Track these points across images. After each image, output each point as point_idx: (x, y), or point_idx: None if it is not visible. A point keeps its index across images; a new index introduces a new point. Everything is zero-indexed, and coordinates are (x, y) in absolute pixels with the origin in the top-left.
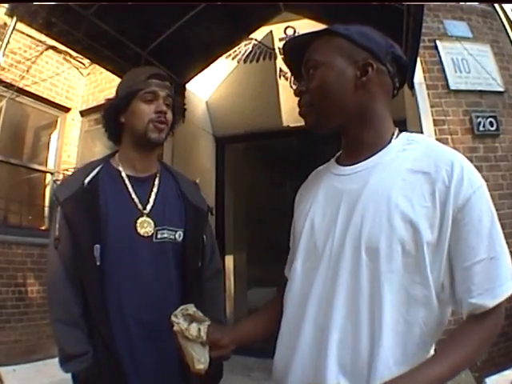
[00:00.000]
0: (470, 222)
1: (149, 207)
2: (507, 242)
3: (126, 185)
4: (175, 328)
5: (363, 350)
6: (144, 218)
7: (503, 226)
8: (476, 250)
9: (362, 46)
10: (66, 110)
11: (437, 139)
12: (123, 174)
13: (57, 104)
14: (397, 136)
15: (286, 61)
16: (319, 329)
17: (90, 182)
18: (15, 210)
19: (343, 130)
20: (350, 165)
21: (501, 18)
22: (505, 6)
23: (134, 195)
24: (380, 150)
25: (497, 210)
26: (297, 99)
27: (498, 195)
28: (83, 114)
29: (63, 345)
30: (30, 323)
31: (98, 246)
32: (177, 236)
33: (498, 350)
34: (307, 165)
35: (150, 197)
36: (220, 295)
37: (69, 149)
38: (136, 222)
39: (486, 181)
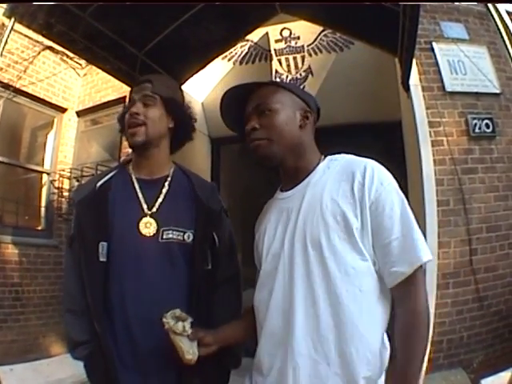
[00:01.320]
0: (383, 210)
1: (154, 209)
2: (503, 244)
3: (134, 187)
4: (166, 327)
5: (325, 321)
6: (147, 219)
7: (499, 228)
8: (391, 231)
9: (302, 98)
10: (63, 110)
11: (432, 141)
12: (133, 177)
13: (53, 104)
14: (323, 160)
15: (226, 103)
16: (285, 313)
17: (101, 185)
18: (11, 210)
19: (283, 160)
20: (290, 189)
21: (495, 20)
22: (499, 7)
23: (140, 196)
24: (311, 173)
25: (492, 211)
26: None
27: (493, 197)
28: (80, 114)
29: (69, 332)
30: (27, 323)
31: (104, 243)
32: (185, 237)
33: (494, 352)
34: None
35: (157, 198)
36: (233, 300)
37: (65, 149)
38: (139, 223)
39: (482, 182)
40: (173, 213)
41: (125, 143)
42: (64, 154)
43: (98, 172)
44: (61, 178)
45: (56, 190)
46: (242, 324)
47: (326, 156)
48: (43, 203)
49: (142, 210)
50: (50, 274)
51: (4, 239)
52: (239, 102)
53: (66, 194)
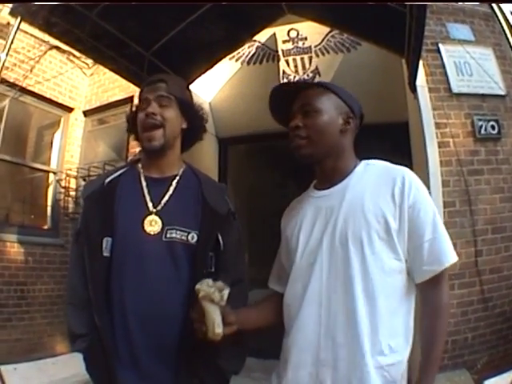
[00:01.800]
0: (419, 214)
1: (159, 207)
2: (508, 245)
3: (141, 185)
4: (202, 294)
5: (362, 314)
6: (152, 217)
7: (504, 229)
8: (424, 233)
9: (347, 103)
10: (70, 109)
11: (438, 142)
12: (142, 175)
13: (60, 104)
14: (359, 163)
15: (274, 98)
16: (321, 307)
17: (110, 182)
18: (18, 209)
19: (322, 161)
20: (326, 188)
21: (500, 21)
22: (504, 8)
23: (146, 194)
24: (348, 175)
25: (498, 213)
26: None
27: (499, 198)
28: (86, 113)
29: (69, 325)
30: (32, 322)
31: (109, 239)
32: (189, 238)
33: (497, 353)
34: (309, 166)
35: (164, 196)
36: (239, 303)
37: (72, 148)
38: (144, 220)
39: (488, 184)
40: (178, 212)
41: (132, 143)
42: (71, 154)
43: (105, 172)
44: (67, 178)
45: (62, 190)
46: (262, 311)
47: (360, 160)
48: (49, 202)
49: (148, 207)
50: (55, 273)
51: (10, 238)
52: (287, 97)
53: (72, 193)
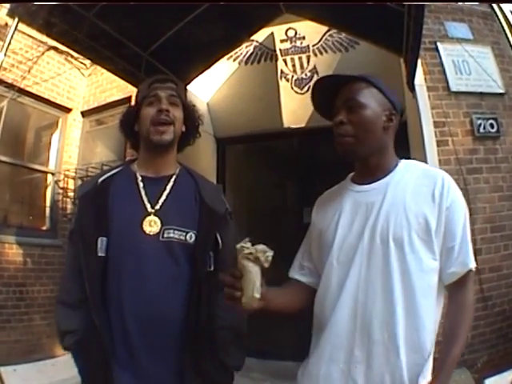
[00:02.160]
0: (453, 217)
1: (157, 206)
2: (507, 244)
3: (137, 184)
4: (246, 251)
5: (398, 312)
6: (151, 217)
7: (503, 228)
8: (456, 236)
9: (389, 99)
10: (68, 110)
11: (437, 141)
12: (137, 175)
13: (58, 104)
14: (399, 162)
15: (317, 91)
16: (358, 303)
17: (103, 181)
18: (16, 211)
19: (366, 158)
20: (367, 184)
21: (499, 20)
22: (504, 7)
23: (143, 194)
24: (389, 173)
25: (497, 211)
26: (298, 101)
27: (497, 197)
28: (84, 114)
29: (58, 322)
30: (31, 323)
31: (104, 239)
32: (188, 237)
33: (497, 352)
34: (308, 166)
35: (161, 195)
36: None
37: (70, 149)
38: (142, 221)
39: (487, 182)
40: (175, 212)
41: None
42: (69, 154)
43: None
44: (66, 178)
45: (61, 190)
46: (286, 296)
47: (400, 159)
48: (48, 203)
49: (145, 207)
50: (54, 274)
51: (8, 239)
52: (330, 91)
53: (70, 194)
